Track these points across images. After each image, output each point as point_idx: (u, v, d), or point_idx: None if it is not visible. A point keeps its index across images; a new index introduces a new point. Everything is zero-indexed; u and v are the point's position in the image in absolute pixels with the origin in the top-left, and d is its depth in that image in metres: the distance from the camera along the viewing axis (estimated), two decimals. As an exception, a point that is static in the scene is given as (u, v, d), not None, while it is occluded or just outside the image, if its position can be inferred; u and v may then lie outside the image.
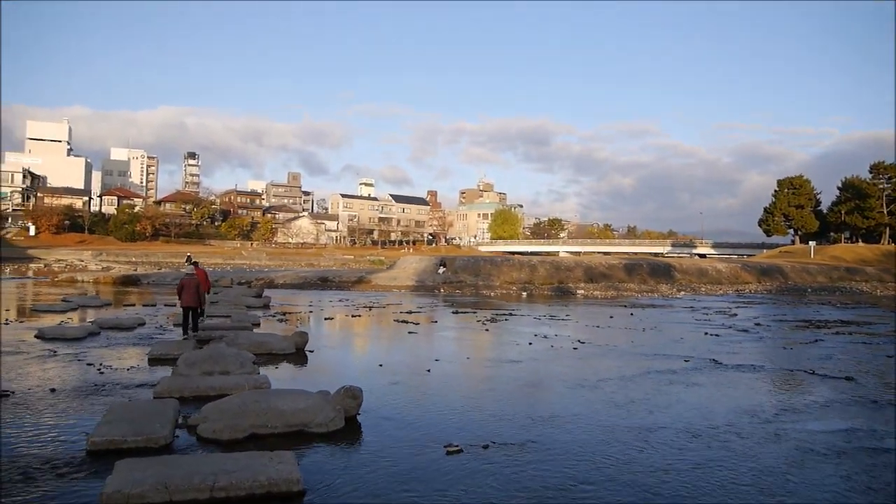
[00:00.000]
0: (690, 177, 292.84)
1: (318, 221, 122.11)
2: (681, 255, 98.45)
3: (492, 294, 38.71)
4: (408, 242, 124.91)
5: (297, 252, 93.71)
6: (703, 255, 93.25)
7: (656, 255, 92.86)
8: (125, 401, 8.27)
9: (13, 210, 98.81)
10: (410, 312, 23.68)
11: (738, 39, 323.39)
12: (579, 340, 16.69)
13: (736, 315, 26.11)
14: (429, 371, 11.61)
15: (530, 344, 16.02)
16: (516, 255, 66.16)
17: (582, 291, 43.37)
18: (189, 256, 51.57)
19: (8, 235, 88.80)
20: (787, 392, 10.89)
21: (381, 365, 12.11)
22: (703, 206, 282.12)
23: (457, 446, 6.99)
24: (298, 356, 12.81)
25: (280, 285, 37.27)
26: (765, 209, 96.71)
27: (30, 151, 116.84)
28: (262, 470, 5.56)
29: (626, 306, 31.80)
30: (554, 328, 19.75)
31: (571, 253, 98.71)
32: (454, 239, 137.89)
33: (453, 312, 24.67)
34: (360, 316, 21.90)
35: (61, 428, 7.31)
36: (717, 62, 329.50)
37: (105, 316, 18.12)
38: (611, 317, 24.90)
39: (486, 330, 18.92)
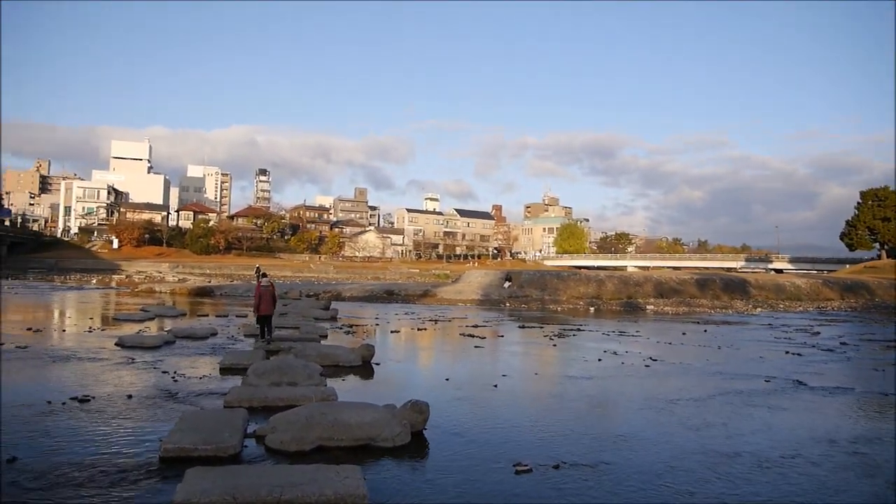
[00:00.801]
0: (764, 189, 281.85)
1: (384, 235, 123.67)
2: (755, 270, 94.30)
3: (558, 309, 38.08)
4: (473, 257, 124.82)
5: (363, 266, 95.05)
6: (779, 271, 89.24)
7: (729, 270, 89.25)
8: (196, 409, 8.39)
9: (99, 224, 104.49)
10: (476, 326, 23.48)
11: (814, 43, 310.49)
12: (651, 358, 16.09)
13: (819, 333, 24.69)
14: (496, 386, 11.37)
15: (599, 360, 15.55)
16: (583, 270, 64.97)
17: (652, 307, 42.14)
18: (258, 268, 53.45)
19: (94, 248, 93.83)
20: (880, 419, 10.09)
21: (447, 379, 11.94)
22: (779, 219, 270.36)
23: (526, 465, 6.73)
24: (365, 369, 12.80)
25: (347, 298, 37.77)
26: (847, 222, 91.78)
27: (114, 169, 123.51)
28: (329, 484, 5.46)
29: (698, 323, 30.63)
30: (624, 344, 19.14)
31: (639, 268, 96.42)
32: (519, 253, 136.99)
33: (520, 327, 24.33)
34: (425, 329, 21.86)
35: (136, 433, 7.46)
36: (791, 68, 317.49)
37: (180, 325, 18.72)
38: (683, 333, 24.00)
39: (554, 345, 18.50)
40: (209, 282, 48.40)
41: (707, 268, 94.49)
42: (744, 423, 9.33)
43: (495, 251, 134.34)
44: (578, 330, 23.46)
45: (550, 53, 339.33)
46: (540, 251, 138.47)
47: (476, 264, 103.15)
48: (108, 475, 5.98)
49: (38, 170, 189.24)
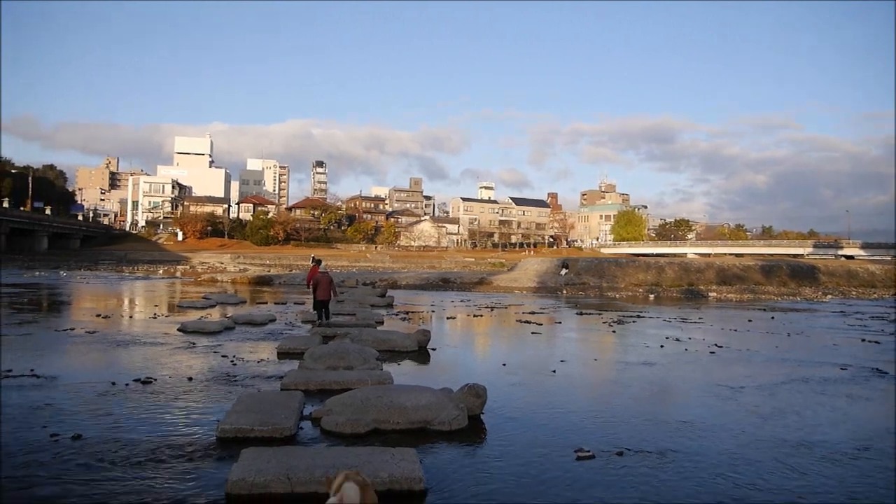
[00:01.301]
0: (833, 172, 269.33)
1: (440, 225, 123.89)
2: (824, 256, 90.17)
3: (617, 296, 37.27)
4: (528, 245, 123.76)
5: (419, 255, 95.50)
6: (850, 257, 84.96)
7: (795, 256, 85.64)
8: (254, 391, 8.41)
9: (164, 217, 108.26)
10: (533, 313, 23.13)
11: (886, 19, 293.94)
12: (715, 344, 15.46)
13: (898, 321, 23.35)
14: (554, 372, 11.08)
15: (662, 347, 15.03)
16: (641, 257, 63.50)
17: (714, 294, 40.81)
18: (314, 257, 54.39)
19: (160, 240, 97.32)
20: (975, 408, 9.36)
21: (504, 364, 11.71)
22: (849, 204, 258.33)
23: (588, 451, 6.45)
24: (420, 354, 12.69)
25: (403, 286, 37.91)
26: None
27: (177, 164, 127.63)
28: (384, 466, 5.33)
29: (764, 310, 29.45)
30: (686, 331, 18.48)
31: (700, 255, 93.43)
32: (575, 241, 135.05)
33: (577, 314, 23.85)
34: (481, 316, 21.65)
35: (194, 414, 7.51)
36: (859, 45, 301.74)
37: (240, 312, 19.06)
38: (749, 321, 23.07)
39: (613, 332, 18.02)
40: (268, 271, 49.42)
41: (772, 254, 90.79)
42: (816, 412, 8.79)
43: (551, 239, 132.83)
44: (638, 317, 22.83)
45: (604, 36, 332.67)
46: (597, 239, 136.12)
47: (532, 253, 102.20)
48: (166, 454, 6.00)
49: (107, 167, 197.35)
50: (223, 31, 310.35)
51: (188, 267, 59.27)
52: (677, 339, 16.47)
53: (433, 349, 13.24)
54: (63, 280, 35.97)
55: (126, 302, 24.03)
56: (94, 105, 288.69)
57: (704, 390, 9.96)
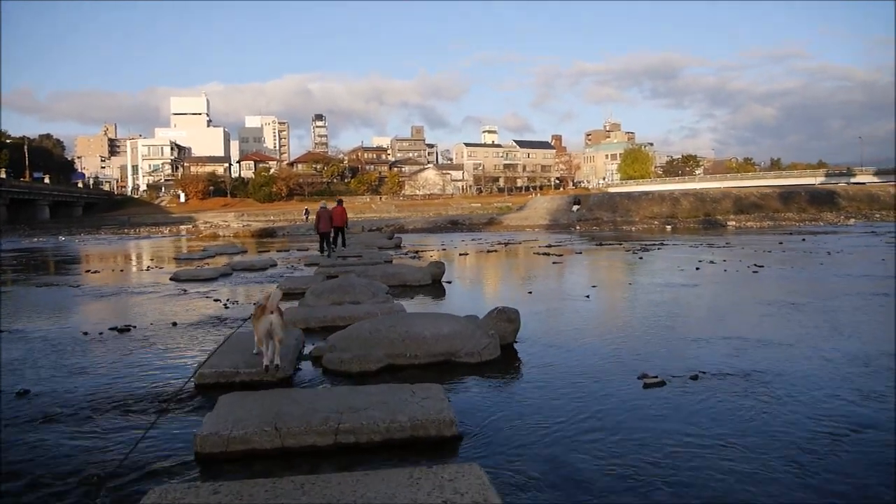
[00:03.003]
0: (843, 102, 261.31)
1: (444, 172, 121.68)
2: (836, 185, 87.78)
3: (633, 229, 35.87)
4: (534, 188, 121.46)
5: (424, 203, 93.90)
6: (862, 185, 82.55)
7: (797, 187, 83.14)
8: (244, 332, 7.15)
9: (165, 180, 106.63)
10: (549, 246, 21.82)
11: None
12: (755, 265, 14.14)
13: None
14: (588, 297, 9.80)
15: (697, 269, 13.74)
16: (654, 192, 61.68)
17: (733, 223, 39.34)
18: (307, 210, 56.93)
19: (162, 203, 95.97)
20: None
21: (530, 292, 10.45)
22: (860, 133, 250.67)
23: (655, 377, 5.19)
24: (435, 287, 11.43)
25: (410, 230, 36.62)
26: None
27: (175, 126, 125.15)
28: (402, 407, 4.08)
29: (791, 234, 28.04)
30: (717, 255, 17.15)
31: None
32: (581, 182, 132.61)
33: (597, 245, 22.53)
34: (495, 251, 20.34)
35: (174, 360, 6.30)
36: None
37: (241, 260, 17.81)
38: (780, 243, 21.72)
39: (640, 258, 16.70)
40: (272, 224, 48.13)
41: (783, 185, 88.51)
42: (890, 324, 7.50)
43: (557, 181, 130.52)
44: (662, 244, 21.48)
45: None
46: (603, 179, 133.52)
47: (538, 195, 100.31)
48: (131, 407, 4.78)
49: (105, 133, 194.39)
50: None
51: (192, 226, 58.06)
52: (711, 262, 15.17)
53: (448, 282, 11.97)
54: (61, 244, 34.78)
55: (120, 258, 22.81)
56: (88, 73, 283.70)
57: (763, 308, 8.66)
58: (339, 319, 7.66)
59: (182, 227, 56.96)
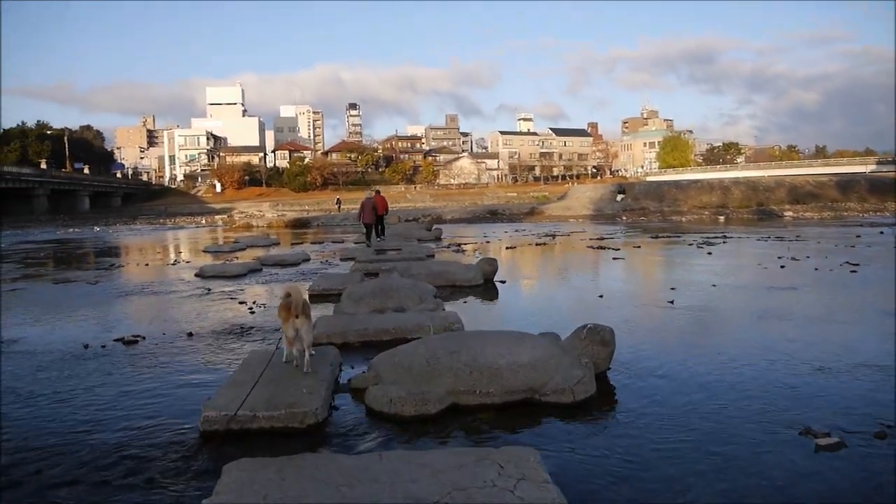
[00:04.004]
0: (889, 86, 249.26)
1: (479, 161, 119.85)
2: (888, 173, 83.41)
3: (683, 220, 33.92)
4: (571, 177, 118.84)
5: (459, 192, 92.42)
6: (921, 171, 78.09)
7: (855, 175, 79.29)
8: (266, 350, 5.85)
9: (201, 170, 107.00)
10: (602, 238, 20.23)
11: None
12: (848, 262, 12.40)
13: None
14: (672, 303, 8.29)
15: (783, 267, 12.07)
16: (703, 180, 59.11)
17: (790, 213, 37.04)
18: (338, 199, 60.57)
19: (199, 193, 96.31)
20: None
21: (600, 296, 8.99)
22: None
23: (826, 434, 3.72)
24: (487, 289, 10.04)
25: (448, 220, 35.24)
26: None
27: (210, 116, 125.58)
28: (488, 498, 2.70)
29: (861, 225, 25.90)
30: (795, 250, 15.39)
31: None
32: (619, 171, 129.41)
33: (653, 237, 20.85)
34: (544, 244, 18.82)
35: (180, 389, 5.04)
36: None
37: (272, 254, 16.64)
38: (857, 236, 19.76)
39: (709, 254, 15.04)
40: (307, 215, 47.25)
41: (832, 174, 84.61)
42: None
43: (594, 170, 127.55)
44: (725, 238, 19.70)
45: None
46: (641, 167, 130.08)
47: (575, 184, 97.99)
48: (102, 475, 3.50)
49: (144, 125, 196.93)
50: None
51: (226, 216, 57.67)
52: (794, 259, 13.45)
53: (502, 282, 10.57)
54: (95, 234, 34.33)
55: (148, 251, 21.93)
56: (126, 66, 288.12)
57: None
58: (383, 332, 6.33)
59: (217, 217, 56.60)
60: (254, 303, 9.05)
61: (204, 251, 19.56)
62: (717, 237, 19.92)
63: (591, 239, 20.35)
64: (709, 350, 5.96)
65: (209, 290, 10.57)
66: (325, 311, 8.22)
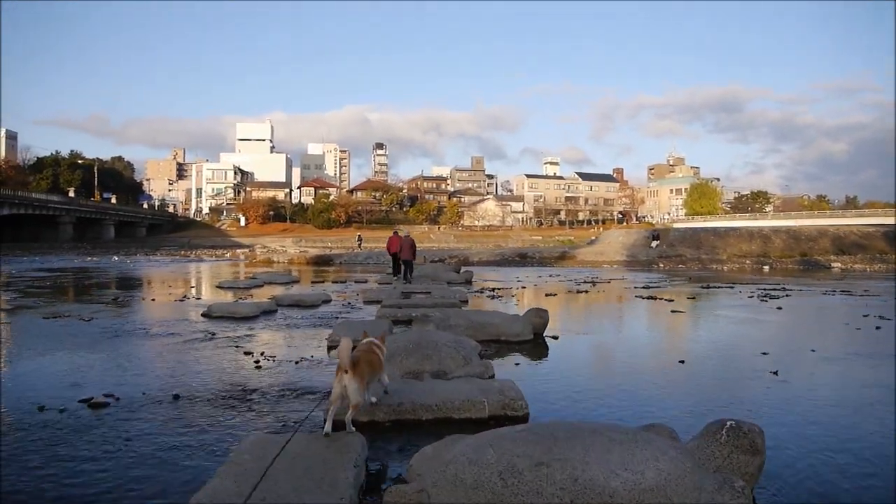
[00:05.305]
0: None
1: (504, 203, 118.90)
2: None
3: (723, 269, 32.08)
4: (596, 222, 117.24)
5: (484, 234, 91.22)
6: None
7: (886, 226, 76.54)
8: (266, 436, 4.31)
9: (227, 204, 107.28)
10: (647, 288, 18.56)
11: None
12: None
13: None
14: (775, 374, 6.65)
15: (878, 329, 10.35)
16: (741, 227, 57.11)
17: (838, 265, 34.99)
18: (359, 236, 60.31)
19: (223, 226, 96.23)
20: None
21: (682, 361, 7.37)
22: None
23: None
24: (537, 345, 8.47)
25: (476, 262, 33.74)
26: None
27: (239, 151, 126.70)
28: None
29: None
30: (874, 307, 13.61)
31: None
32: (645, 217, 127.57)
33: (703, 287, 19.11)
34: (586, 292, 17.18)
35: (132, 494, 3.53)
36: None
37: (290, 293, 15.23)
38: (931, 291, 17.87)
39: (779, 308, 13.32)
40: (329, 251, 46.09)
41: (866, 224, 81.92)
42: None
43: (620, 215, 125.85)
44: (783, 290, 17.90)
45: (662, 6, 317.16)
46: (668, 214, 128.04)
47: (601, 229, 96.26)
48: None
49: (174, 158, 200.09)
50: (274, 24, 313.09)
51: (248, 251, 56.86)
52: (881, 317, 11.70)
53: (554, 337, 8.98)
54: (112, 264, 33.37)
55: (160, 284, 20.67)
56: (158, 102, 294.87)
57: None
58: (423, 409, 4.79)
59: (239, 251, 55.73)
60: (262, 354, 7.56)
61: (218, 286, 18.23)
62: (775, 289, 18.15)
63: (635, 287, 18.69)
64: (879, 449, 4.32)
65: (213, 334, 9.13)
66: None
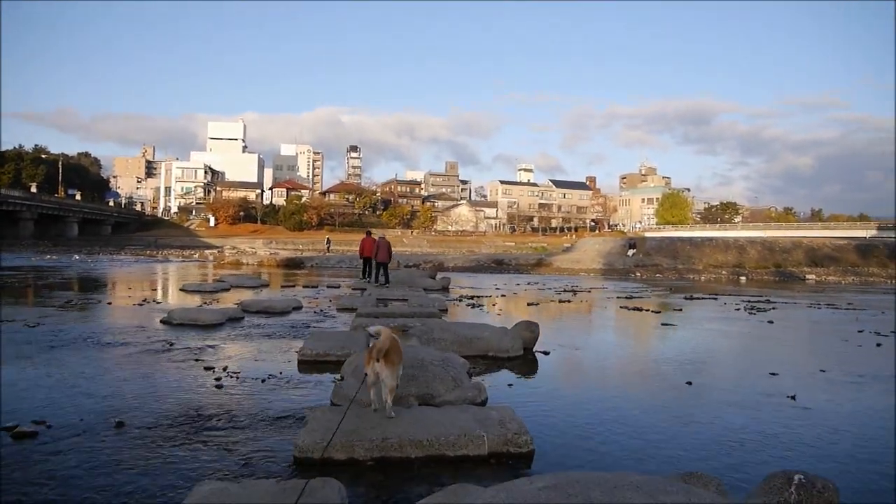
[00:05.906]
0: (882, 154, 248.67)
1: (477, 209, 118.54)
2: (889, 238, 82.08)
3: (700, 279, 31.88)
4: (569, 229, 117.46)
5: (457, 239, 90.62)
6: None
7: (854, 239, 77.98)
8: (222, 485, 3.53)
9: (196, 203, 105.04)
10: (630, 298, 18.06)
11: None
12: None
13: None
14: (793, 398, 6.07)
15: (879, 346, 9.90)
16: (717, 238, 57.37)
17: (813, 277, 35.10)
18: (328, 238, 59.57)
19: (192, 226, 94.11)
20: None
21: (689, 383, 6.75)
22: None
23: None
24: (527, 361, 7.79)
25: (451, 268, 33.02)
26: None
27: (210, 150, 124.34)
28: None
29: (902, 293, 23.89)
30: (864, 321, 13.26)
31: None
32: (617, 225, 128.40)
33: (686, 298, 18.67)
34: (569, 302, 16.56)
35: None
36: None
37: (258, 298, 14.34)
38: (912, 305, 17.69)
39: (770, 322, 12.85)
40: (300, 254, 44.99)
41: (831, 237, 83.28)
42: None
43: (592, 223, 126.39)
44: (769, 303, 17.53)
45: (637, 14, 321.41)
46: (639, 223, 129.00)
47: (574, 237, 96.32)
48: None
49: (143, 155, 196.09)
50: (248, 21, 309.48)
51: (217, 251, 55.37)
52: (877, 333, 11.29)
53: (545, 353, 8.31)
54: (71, 263, 31.87)
55: (120, 285, 19.55)
56: (130, 97, 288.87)
57: None
58: (412, 445, 4.06)
59: (207, 251, 54.20)
60: (224, 369, 6.75)
61: (182, 289, 17.23)
62: (759, 301, 17.78)
63: (617, 297, 18.16)
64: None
65: (171, 344, 8.28)
66: (320, 388, 5.97)
